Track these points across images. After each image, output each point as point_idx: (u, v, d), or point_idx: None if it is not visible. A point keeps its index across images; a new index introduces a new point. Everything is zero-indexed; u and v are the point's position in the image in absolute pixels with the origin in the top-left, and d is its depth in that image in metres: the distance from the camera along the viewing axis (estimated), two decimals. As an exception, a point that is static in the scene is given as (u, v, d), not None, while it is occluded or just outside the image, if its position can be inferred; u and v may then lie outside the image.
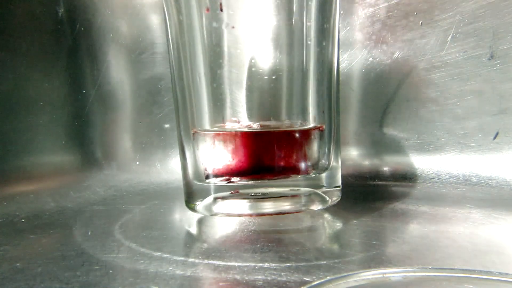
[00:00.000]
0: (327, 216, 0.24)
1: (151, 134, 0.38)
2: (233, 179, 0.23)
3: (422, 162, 0.34)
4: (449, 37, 0.33)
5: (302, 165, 0.23)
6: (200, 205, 0.24)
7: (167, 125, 0.38)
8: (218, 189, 0.23)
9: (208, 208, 0.23)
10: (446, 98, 0.34)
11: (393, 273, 0.15)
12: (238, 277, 0.16)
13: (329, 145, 0.25)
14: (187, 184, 0.25)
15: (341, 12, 0.35)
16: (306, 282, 0.15)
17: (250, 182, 0.23)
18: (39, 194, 0.30)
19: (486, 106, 0.33)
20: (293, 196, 0.23)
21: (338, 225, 0.23)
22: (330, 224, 0.23)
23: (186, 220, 0.25)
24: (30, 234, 0.22)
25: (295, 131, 0.23)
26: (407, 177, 0.34)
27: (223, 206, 0.23)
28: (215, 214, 0.23)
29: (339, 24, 0.25)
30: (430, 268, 0.16)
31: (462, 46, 0.33)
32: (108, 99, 0.37)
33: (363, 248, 0.19)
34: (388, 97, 0.35)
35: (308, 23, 0.23)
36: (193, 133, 0.24)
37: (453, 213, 0.25)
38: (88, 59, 0.36)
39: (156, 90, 0.38)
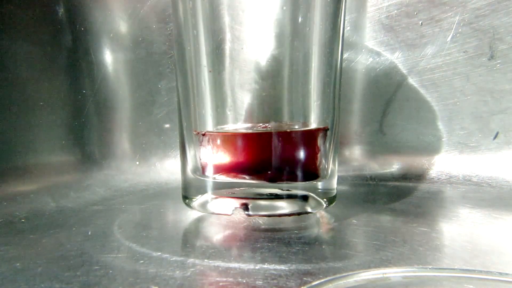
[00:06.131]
0: (327, 215, 0.24)
1: (150, 134, 0.38)
2: (232, 178, 0.23)
3: (422, 162, 0.34)
4: (449, 37, 0.33)
5: (303, 166, 0.23)
6: (196, 202, 0.24)
7: (167, 125, 0.38)
8: (216, 187, 0.24)
9: (204, 205, 0.24)
10: (446, 98, 0.34)
11: (393, 273, 0.15)
12: (238, 277, 0.16)
13: (329, 147, 0.25)
14: (185, 181, 0.25)
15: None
16: (306, 282, 0.15)
17: (248, 182, 0.23)
18: (39, 194, 0.30)
19: (486, 106, 0.33)
20: (289, 197, 0.23)
21: (338, 225, 0.23)
22: (330, 224, 0.23)
23: (186, 219, 0.25)
24: (30, 234, 0.22)
25: (297, 132, 0.23)
26: (407, 177, 0.34)
27: (219, 204, 0.23)
28: (212, 213, 0.24)
29: (344, 24, 0.25)
30: (430, 268, 0.16)
31: (462, 46, 0.33)
32: (107, 99, 0.37)
33: (363, 248, 0.19)
34: (388, 96, 0.35)
35: (313, 24, 0.23)
36: (195, 134, 0.24)
37: (453, 213, 0.24)
38: (87, 59, 0.36)
39: (156, 90, 0.38)
